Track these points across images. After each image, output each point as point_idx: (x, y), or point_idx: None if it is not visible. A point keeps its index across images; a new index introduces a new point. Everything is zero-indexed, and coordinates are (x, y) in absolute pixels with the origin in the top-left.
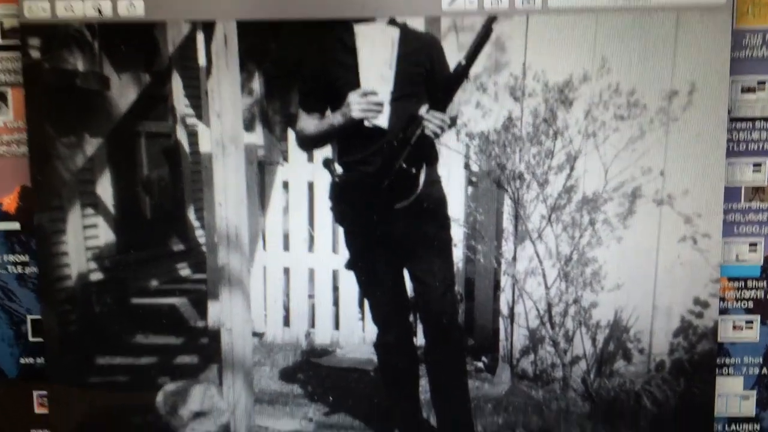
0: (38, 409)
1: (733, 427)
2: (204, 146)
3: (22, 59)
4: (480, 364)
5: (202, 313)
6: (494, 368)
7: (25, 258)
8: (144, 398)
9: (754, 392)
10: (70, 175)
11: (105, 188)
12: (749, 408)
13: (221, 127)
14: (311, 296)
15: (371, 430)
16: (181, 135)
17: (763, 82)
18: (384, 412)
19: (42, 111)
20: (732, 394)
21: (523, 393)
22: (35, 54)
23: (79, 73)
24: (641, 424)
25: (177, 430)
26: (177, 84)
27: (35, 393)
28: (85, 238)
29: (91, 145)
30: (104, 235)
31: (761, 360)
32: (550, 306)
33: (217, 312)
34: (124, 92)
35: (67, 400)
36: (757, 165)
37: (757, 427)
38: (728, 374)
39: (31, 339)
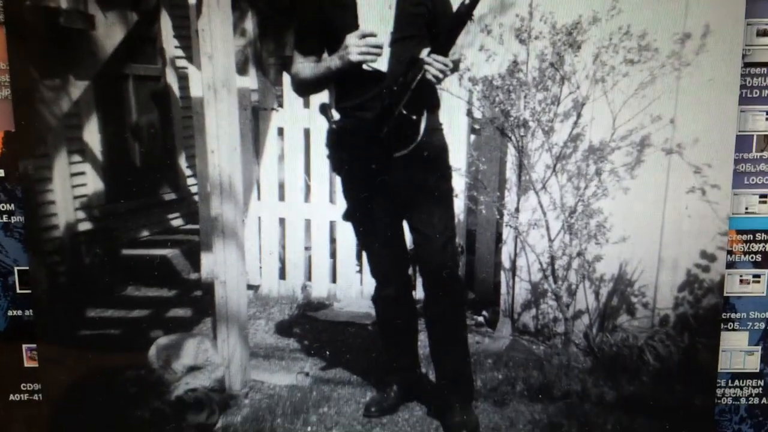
0: (28, 363)
1: (736, 382)
2: (195, 90)
3: None
4: (480, 319)
5: (195, 264)
6: (495, 323)
7: (10, 207)
8: (136, 352)
9: (759, 348)
10: (55, 119)
11: (92, 134)
12: (754, 363)
13: (213, 69)
14: (308, 248)
15: (368, 385)
16: (171, 78)
17: None
18: (382, 367)
19: (24, 52)
20: (736, 350)
21: (524, 348)
22: None
23: (62, 11)
24: (643, 379)
25: (170, 384)
26: (166, 23)
27: (24, 347)
28: (72, 187)
29: (77, 88)
30: (92, 183)
31: None
32: (553, 259)
33: (210, 264)
34: (110, 32)
35: (57, 353)
36: None
37: (761, 383)
38: (733, 329)
39: (18, 290)
